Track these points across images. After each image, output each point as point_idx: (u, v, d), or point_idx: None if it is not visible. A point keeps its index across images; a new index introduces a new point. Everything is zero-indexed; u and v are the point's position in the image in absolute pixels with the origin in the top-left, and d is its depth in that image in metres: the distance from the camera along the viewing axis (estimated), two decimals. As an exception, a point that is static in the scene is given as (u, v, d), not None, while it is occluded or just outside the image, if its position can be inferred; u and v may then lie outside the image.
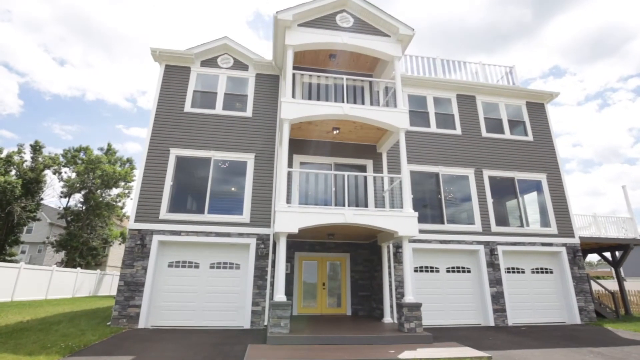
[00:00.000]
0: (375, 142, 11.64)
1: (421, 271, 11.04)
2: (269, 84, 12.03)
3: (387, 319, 9.78)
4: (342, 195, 10.04)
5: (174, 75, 11.66)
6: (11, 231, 27.48)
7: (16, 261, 25.55)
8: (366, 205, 10.93)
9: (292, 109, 9.37)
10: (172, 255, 9.99)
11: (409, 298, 8.43)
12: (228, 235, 10.06)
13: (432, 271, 11.15)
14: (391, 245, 10.67)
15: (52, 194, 56.03)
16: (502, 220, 11.99)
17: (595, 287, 14.80)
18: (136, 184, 10.45)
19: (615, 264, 14.33)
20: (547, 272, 11.89)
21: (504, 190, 12.43)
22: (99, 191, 32.15)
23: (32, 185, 28.86)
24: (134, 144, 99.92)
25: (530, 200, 12.63)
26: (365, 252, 12.04)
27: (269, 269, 9.95)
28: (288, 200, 9.46)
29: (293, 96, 10.37)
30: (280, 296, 7.86)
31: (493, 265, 11.25)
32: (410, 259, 10.26)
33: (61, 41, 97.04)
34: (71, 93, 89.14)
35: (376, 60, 11.86)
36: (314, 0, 10.44)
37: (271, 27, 11.49)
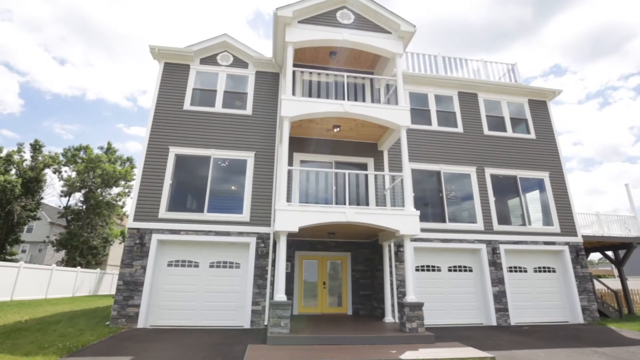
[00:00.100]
0: (376, 140, 11.54)
1: (422, 270, 10.95)
2: (269, 81, 11.93)
3: (389, 318, 9.70)
4: (343, 193, 9.95)
5: (173, 73, 11.56)
6: (11, 230, 27.45)
7: (16, 260, 25.56)
8: (367, 204, 10.84)
9: (293, 106, 9.27)
10: (172, 254, 9.91)
11: (410, 297, 8.34)
12: (228, 234, 9.98)
13: (433, 270, 11.06)
14: (392, 244, 10.57)
15: (52, 193, 56.15)
16: (504, 218, 11.89)
17: (597, 286, 14.71)
18: (135, 183, 10.38)
19: (618, 262, 14.22)
20: (549, 271, 11.79)
21: (506, 188, 12.33)
22: (99, 190, 32.10)
23: (32, 184, 28.83)
24: (134, 143, 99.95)
25: (532, 198, 12.53)
26: (366, 251, 11.95)
27: (269, 268, 9.87)
28: (288, 199, 9.37)
29: (293, 94, 10.28)
30: (280, 296, 7.77)
31: (495, 264, 11.15)
32: (412, 258, 10.18)
33: (61, 41, 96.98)
34: (72, 92, 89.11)
35: (377, 57, 11.75)
36: (314, -3, 10.32)
37: (271, 26, 11.38)
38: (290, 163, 10.69)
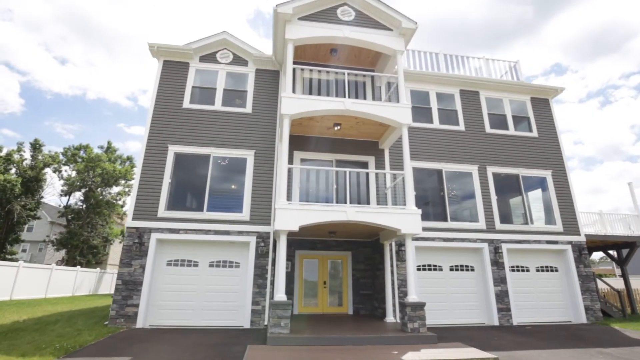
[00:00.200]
0: (377, 138, 11.43)
1: (424, 269, 10.86)
2: (269, 79, 11.82)
3: (390, 318, 9.60)
4: (344, 192, 9.85)
5: (173, 71, 11.45)
6: (11, 230, 27.42)
7: (16, 260, 25.52)
8: (368, 203, 10.74)
9: (293, 104, 9.17)
10: (171, 253, 9.82)
11: (412, 297, 8.24)
12: (227, 233, 9.88)
13: (435, 270, 10.96)
14: (393, 243, 10.47)
15: (53, 192, 55.97)
16: (506, 217, 11.78)
17: (600, 285, 14.60)
18: (134, 182, 10.29)
19: (621, 262, 14.10)
20: (552, 271, 11.69)
21: (508, 187, 12.22)
22: (99, 189, 32.05)
23: (32, 183, 28.78)
24: (135, 143, 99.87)
25: (535, 197, 12.42)
26: (367, 250, 11.85)
27: (269, 267, 9.77)
28: (288, 198, 9.28)
29: (293, 91, 10.17)
30: (280, 295, 7.68)
31: (497, 263, 11.05)
32: (413, 257, 10.09)
33: (62, 40, 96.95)
34: (72, 92, 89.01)
35: (378, 55, 11.64)
36: (315, -7, 10.21)
37: (271, 25, 11.27)
38: (291, 161, 10.59)
